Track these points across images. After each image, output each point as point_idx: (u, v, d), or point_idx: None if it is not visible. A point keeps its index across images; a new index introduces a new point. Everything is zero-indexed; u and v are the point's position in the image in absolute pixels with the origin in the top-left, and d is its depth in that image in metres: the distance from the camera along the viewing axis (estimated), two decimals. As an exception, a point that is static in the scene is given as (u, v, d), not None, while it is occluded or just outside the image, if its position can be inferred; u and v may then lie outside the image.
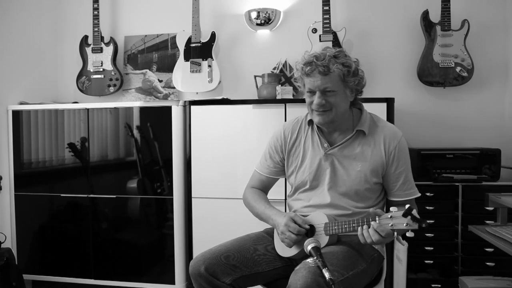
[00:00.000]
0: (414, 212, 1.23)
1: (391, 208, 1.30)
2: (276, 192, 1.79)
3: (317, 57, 1.43)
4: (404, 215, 1.24)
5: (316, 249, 1.26)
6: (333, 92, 1.45)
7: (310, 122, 1.60)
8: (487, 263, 2.26)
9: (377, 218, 1.31)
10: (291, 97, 2.46)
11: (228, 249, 1.51)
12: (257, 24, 2.77)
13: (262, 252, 1.55)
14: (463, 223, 2.28)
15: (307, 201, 1.58)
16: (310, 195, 1.58)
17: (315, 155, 1.57)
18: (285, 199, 2.26)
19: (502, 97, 2.64)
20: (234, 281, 1.46)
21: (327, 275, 1.16)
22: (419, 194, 1.57)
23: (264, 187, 1.74)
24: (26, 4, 2.84)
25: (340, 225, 1.41)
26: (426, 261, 2.32)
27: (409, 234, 1.24)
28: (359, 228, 1.35)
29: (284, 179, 1.78)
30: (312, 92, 1.48)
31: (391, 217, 1.27)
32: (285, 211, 2.02)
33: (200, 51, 2.76)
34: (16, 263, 2.46)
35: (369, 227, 1.32)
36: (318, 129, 1.58)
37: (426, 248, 2.31)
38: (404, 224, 1.24)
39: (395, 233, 1.28)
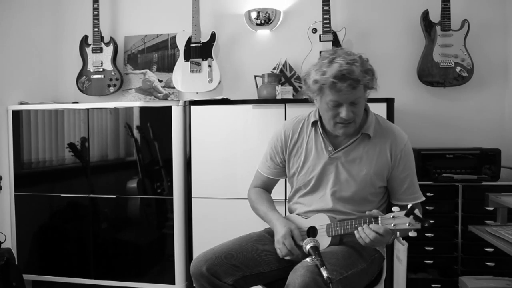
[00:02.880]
0: (417, 211, 1.23)
1: (393, 208, 1.29)
2: (277, 192, 1.78)
3: (349, 71, 1.34)
4: (407, 215, 1.23)
5: (315, 248, 1.26)
6: (359, 102, 1.41)
7: (314, 124, 1.57)
8: (487, 263, 2.26)
9: (379, 218, 1.30)
10: (291, 97, 2.46)
11: (229, 248, 1.50)
12: (257, 24, 2.77)
13: (263, 252, 1.54)
14: (463, 223, 2.28)
15: (308, 205, 1.57)
16: (311, 199, 1.57)
17: (318, 158, 1.55)
18: (285, 199, 2.26)
19: (502, 97, 2.64)
20: (236, 281, 1.45)
21: (324, 273, 1.16)
22: (424, 198, 1.56)
23: (266, 187, 1.73)
24: (26, 4, 2.84)
25: (342, 225, 1.41)
26: (426, 261, 2.32)
27: (411, 234, 1.24)
28: (356, 232, 1.34)
29: (284, 179, 1.77)
30: (337, 104, 1.40)
31: (393, 217, 1.27)
32: (285, 213, 2.02)
33: (200, 51, 2.76)
34: (16, 263, 2.46)
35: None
36: (323, 131, 1.55)
37: (426, 248, 2.31)
38: (407, 224, 1.23)
39: (398, 233, 1.27)
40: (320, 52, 2.57)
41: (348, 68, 1.34)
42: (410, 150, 1.52)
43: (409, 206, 1.23)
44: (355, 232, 1.35)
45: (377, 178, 1.49)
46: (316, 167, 1.55)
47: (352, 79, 1.34)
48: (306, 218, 1.54)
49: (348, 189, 1.50)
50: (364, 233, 1.32)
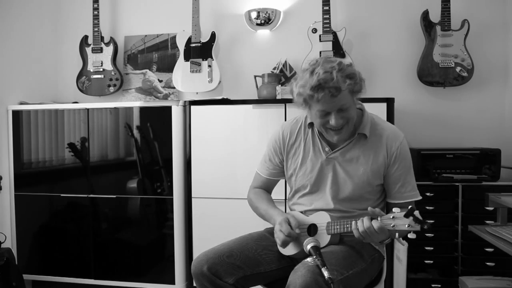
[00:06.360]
0: (417, 213, 1.22)
1: (394, 209, 1.29)
2: (276, 192, 1.78)
3: (325, 80, 1.32)
4: (406, 216, 1.23)
5: (315, 248, 1.26)
6: (347, 108, 1.39)
7: (311, 125, 1.58)
8: (487, 263, 2.26)
9: (379, 218, 1.30)
10: (291, 97, 2.45)
11: (231, 248, 1.50)
12: (257, 24, 2.77)
13: (264, 251, 1.55)
14: (463, 223, 2.28)
15: (309, 205, 1.57)
16: (312, 199, 1.57)
17: (316, 158, 1.56)
18: (285, 199, 2.26)
19: (502, 97, 2.64)
20: (237, 281, 1.45)
21: (326, 274, 1.16)
22: (420, 197, 1.55)
23: (266, 188, 1.74)
24: (27, 4, 2.84)
25: (342, 224, 1.41)
26: (426, 261, 2.32)
27: (411, 235, 1.23)
28: (354, 223, 1.35)
29: (284, 180, 1.77)
30: (326, 113, 1.40)
31: (393, 217, 1.27)
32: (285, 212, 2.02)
33: (200, 51, 2.76)
34: (16, 263, 2.46)
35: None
36: (319, 132, 1.56)
37: (426, 248, 2.31)
38: (406, 225, 1.23)
39: (397, 234, 1.27)
40: (320, 53, 2.58)
41: (324, 78, 1.32)
42: (406, 148, 1.52)
43: (409, 207, 1.23)
44: (353, 222, 1.35)
45: (374, 176, 1.50)
46: (314, 168, 1.55)
47: (330, 88, 1.32)
48: (308, 216, 1.55)
49: (346, 189, 1.51)
50: (362, 223, 1.32)
